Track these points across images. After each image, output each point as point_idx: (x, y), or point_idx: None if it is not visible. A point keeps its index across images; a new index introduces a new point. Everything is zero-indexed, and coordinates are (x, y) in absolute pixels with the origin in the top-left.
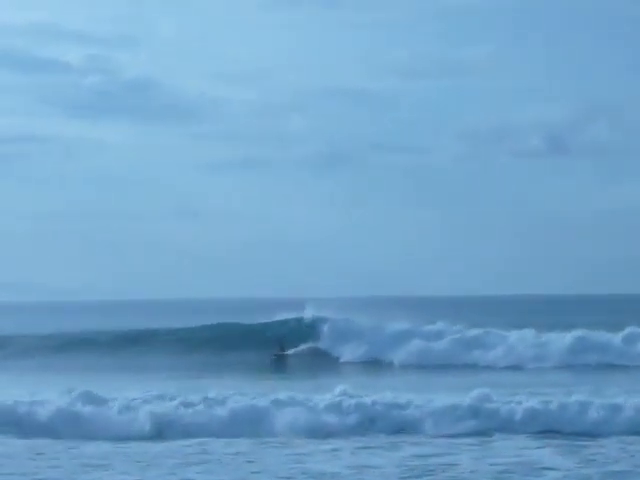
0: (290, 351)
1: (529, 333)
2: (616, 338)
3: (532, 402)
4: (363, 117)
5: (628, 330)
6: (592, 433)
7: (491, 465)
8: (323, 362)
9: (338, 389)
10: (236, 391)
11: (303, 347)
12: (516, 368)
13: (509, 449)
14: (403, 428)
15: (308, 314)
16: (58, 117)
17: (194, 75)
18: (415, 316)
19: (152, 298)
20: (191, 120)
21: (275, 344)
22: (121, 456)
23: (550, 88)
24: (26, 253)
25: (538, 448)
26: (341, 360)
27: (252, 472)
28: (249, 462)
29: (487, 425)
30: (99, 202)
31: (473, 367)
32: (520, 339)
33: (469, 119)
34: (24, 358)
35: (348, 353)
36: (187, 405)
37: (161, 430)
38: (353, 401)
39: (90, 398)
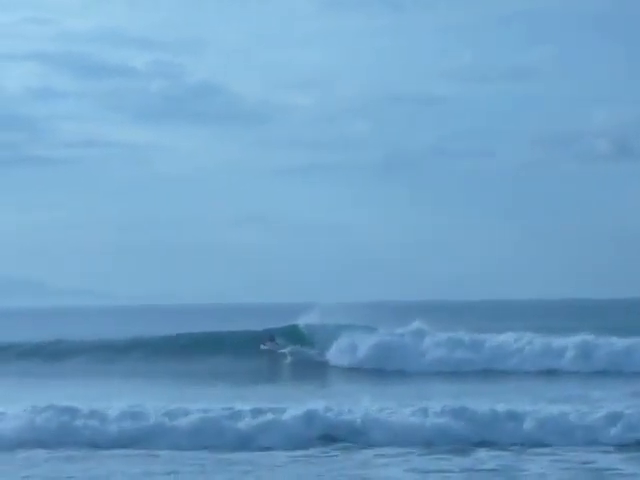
0: (282, 347)
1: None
2: None
3: None
4: (427, 122)
5: None
6: None
7: None
8: (311, 366)
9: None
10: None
11: (294, 347)
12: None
13: None
14: None
15: (305, 320)
16: (124, 122)
17: (258, 80)
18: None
19: (217, 302)
20: (255, 125)
21: (265, 336)
22: None
23: (617, 91)
24: (93, 260)
25: None
26: (331, 364)
27: None
28: None
29: None
30: (164, 208)
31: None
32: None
33: (534, 124)
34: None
35: (336, 358)
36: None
37: None
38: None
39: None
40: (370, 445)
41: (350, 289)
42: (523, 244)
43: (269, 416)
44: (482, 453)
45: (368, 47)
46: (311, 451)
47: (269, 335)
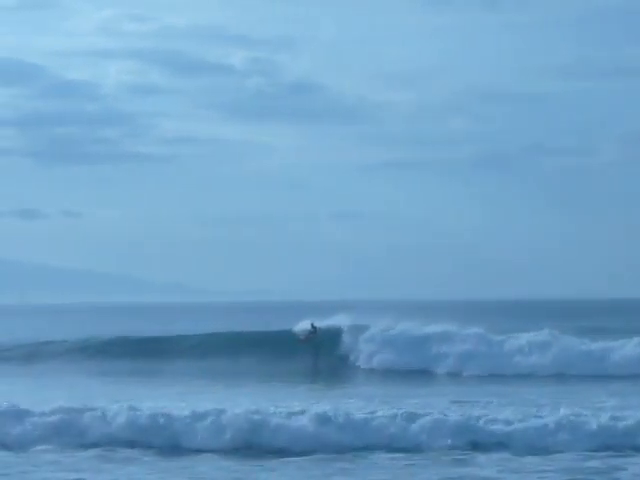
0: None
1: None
2: None
3: None
4: (523, 119)
5: None
6: None
7: None
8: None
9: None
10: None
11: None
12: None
13: None
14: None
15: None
16: (220, 119)
17: (354, 77)
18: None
19: (312, 299)
20: (351, 122)
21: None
22: None
23: None
24: (189, 256)
25: None
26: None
27: None
28: None
29: None
30: (260, 204)
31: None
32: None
33: (632, 121)
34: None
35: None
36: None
37: None
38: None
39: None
40: None
41: (441, 286)
42: (618, 241)
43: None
44: None
45: (467, 44)
46: None
47: (311, 324)
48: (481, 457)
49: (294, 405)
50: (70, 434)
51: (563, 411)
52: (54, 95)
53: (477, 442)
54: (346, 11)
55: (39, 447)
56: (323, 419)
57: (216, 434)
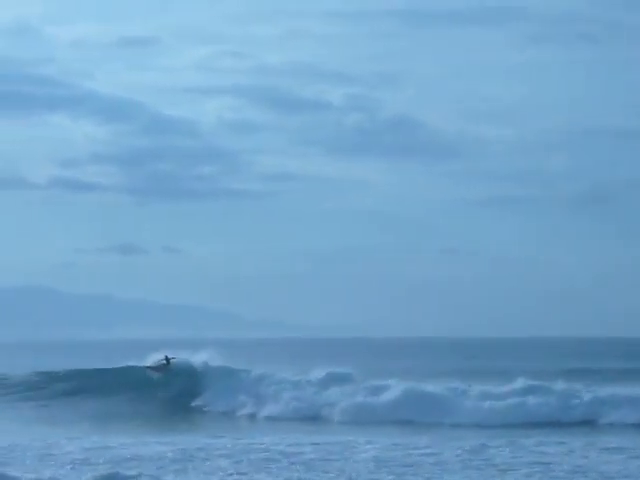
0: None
1: None
2: None
3: None
4: (627, 156)
5: None
6: None
7: None
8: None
9: None
10: None
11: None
12: None
13: None
14: None
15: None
16: (318, 156)
17: (453, 112)
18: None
19: (418, 335)
20: (450, 158)
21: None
22: None
23: None
24: (286, 291)
25: None
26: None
27: None
28: None
29: None
30: (356, 240)
31: None
32: None
33: None
34: None
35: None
36: None
37: None
38: None
39: None
40: None
41: (540, 323)
42: None
43: None
44: None
45: (566, 80)
46: None
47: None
48: None
49: None
50: None
51: None
52: (153, 132)
53: None
54: (443, 47)
55: None
56: None
57: None
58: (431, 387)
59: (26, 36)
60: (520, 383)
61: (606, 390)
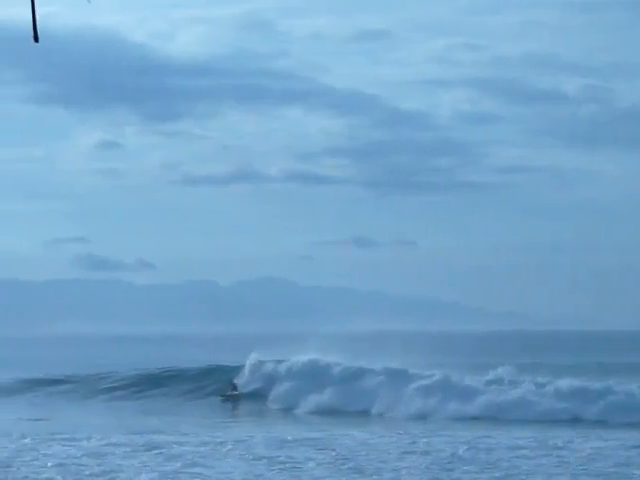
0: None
1: None
2: None
3: None
4: None
5: None
6: None
7: None
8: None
9: None
10: None
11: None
12: None
13: None
14: None
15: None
16: (554, 147)
17: None
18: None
19: (625, 329)
20: None
21: (227, 384)
22: None
23: None
24: (521, 284)
25: None
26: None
27: None
28: None
29: None
30: (589, 232)
31: None
32: None
33: None
34: None
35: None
36: None
37: None
38: None
39: None
40: None
41: None
42: None
43: None
44: None
45: None
46: None
47: (231, 385)
48: None
49: None
50: None
51: None
52: (388, 125)
53: None
54: None
55: None
56: None
57: None
58: None
59: (262, 30)
60: None
61: None
